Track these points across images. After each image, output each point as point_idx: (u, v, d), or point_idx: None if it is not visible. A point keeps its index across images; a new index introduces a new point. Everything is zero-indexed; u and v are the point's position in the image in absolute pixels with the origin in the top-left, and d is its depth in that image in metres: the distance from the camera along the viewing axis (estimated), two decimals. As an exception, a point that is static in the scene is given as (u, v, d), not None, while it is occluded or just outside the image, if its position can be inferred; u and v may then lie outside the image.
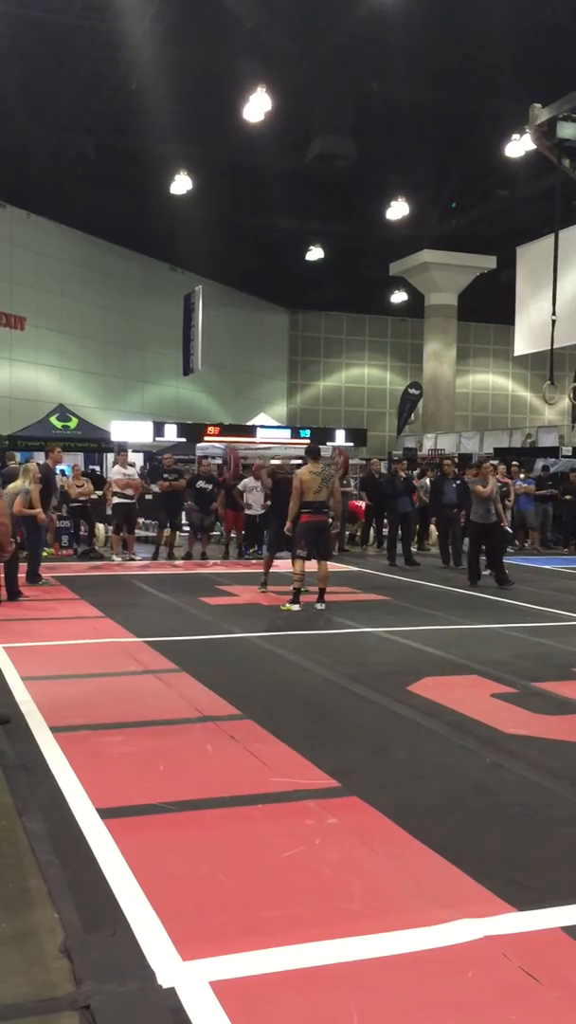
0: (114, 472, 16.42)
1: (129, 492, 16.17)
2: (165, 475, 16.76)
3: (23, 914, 3.32)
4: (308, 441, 21.75)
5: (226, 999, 2.76)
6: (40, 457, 15.77)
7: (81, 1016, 2.70)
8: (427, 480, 18.44)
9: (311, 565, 11.07)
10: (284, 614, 10.56)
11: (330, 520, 11.42)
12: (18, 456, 18.86)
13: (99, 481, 19.06)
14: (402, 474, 16.61)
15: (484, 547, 13.64)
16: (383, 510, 18.29)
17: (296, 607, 10.72)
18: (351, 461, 21.45)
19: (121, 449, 17.53)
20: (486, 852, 3.94)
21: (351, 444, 25.38)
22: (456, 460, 19.60)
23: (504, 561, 13.83)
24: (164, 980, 2.88)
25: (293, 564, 11.12)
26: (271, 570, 12.51)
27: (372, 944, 3.13)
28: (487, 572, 14.58)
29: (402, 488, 16.29)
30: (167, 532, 17.08)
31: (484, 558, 13.81)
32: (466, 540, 14.88)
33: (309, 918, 3.31)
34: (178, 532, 17.28)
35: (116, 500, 16.11)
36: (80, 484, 16.88)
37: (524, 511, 19.51)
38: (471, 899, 3.48)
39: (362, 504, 19.13)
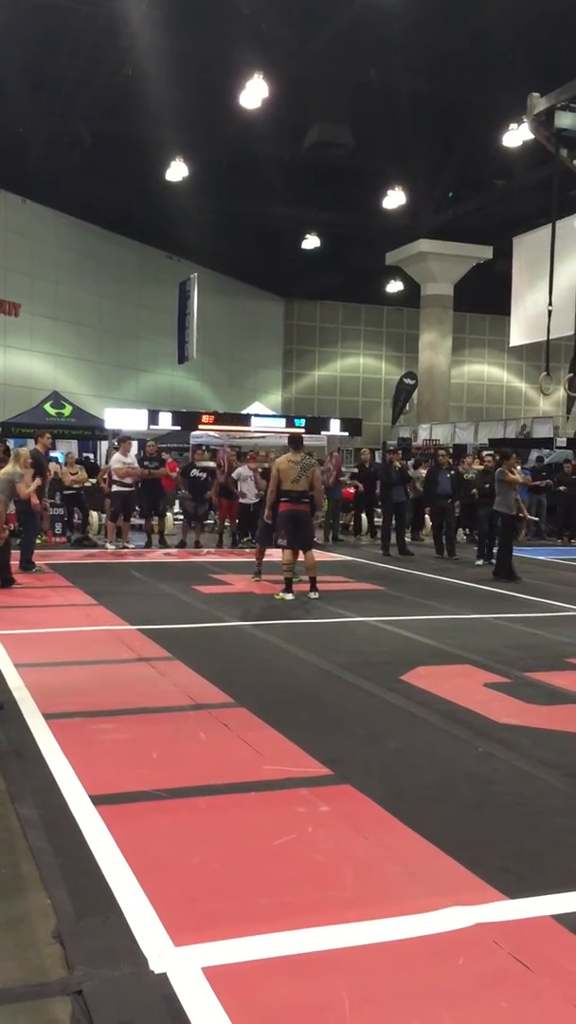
0: (114, 461, 16.37)
1: (128, 481, 16.14)
2: (146, 463, 16.74)
3: (15, 900, 3.33)
4: (303, 430, 21.74)
5: (218, 985, 2.77)
6: (31, 444, 15.75)
7: (73, 1001, 2.70)
8: (422, 470, 18.45)
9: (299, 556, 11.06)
10: (277, 603, 10.57)
11: (311, 509, 11.36)
12: (12, 444, 18.82)
13: (93, 469, 19.04)
14: (397, 464, 16.61)
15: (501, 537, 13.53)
16: (375, 499, 18.31)
17: (289, 596, 10.73)
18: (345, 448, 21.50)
19: (124, 438, 17.49)
20: (478, 840, 3.96)
21: (346, 434, 25.34)
22: (451, 450, 19.60)
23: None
24: (156, 966, 2.88)
25: (282, 553, 11.12)
26: (264, 559, 12.51)
27: (364, 931, 3.14)
28: (479, 562, 14.66)
29: (397, 478, 16.28)
30: (154, 521, 17.09)
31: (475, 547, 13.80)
32: (459, 532, 14.94)
33: (301, 905, 3.32)
34: (169, 520, 17.29)
35: (115, 488, 16.09)
36: (74, 472, 16.86)
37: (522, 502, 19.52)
38: (463, 887, 3.49)
39: (351, 490, 19.10)
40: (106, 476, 16.63)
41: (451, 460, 17.02)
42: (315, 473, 11.18)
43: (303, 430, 19.52)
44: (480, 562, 14.89)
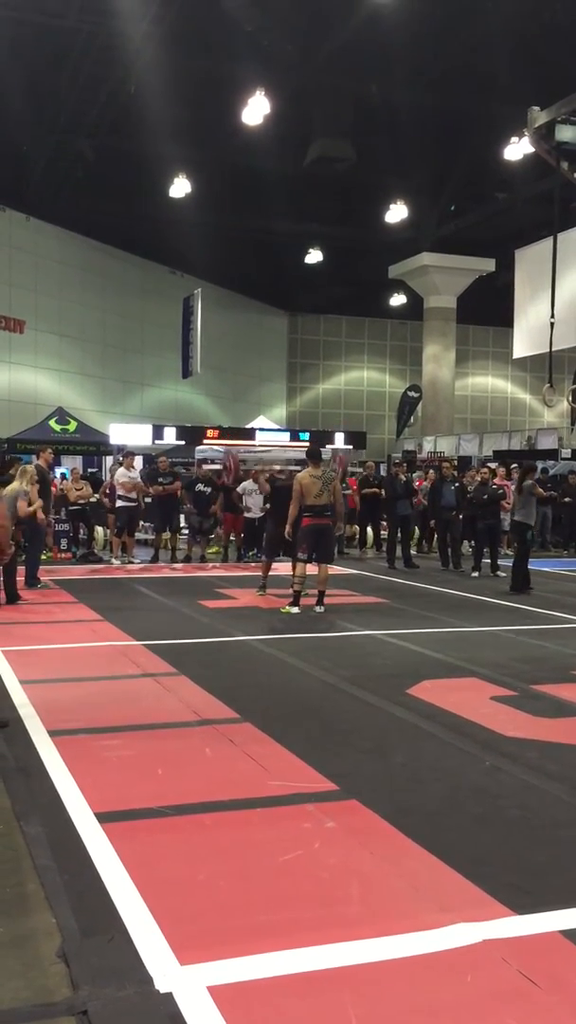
0: (119, 475, 16.37)
1: (134, 495, 16.16)
2: (160, 479, 16.75)
3: (20, 919, 3.31)
4: (307, 444, 21.74)
5: (224, 1004, 2.75)
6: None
7: (79, 1021, 2.69)
8: (424, 482, 18.44)
9: (311, 568, 11.06)
10: (284, 617, 10.56)
11: (333, 523, 11.39)
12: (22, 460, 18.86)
13: (97, 484, 19.06)
14: (402, 477, 16.58)
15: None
16: (380, 512, 18.25)
17: (296, 610, 10.73)
18: (351, 467, 21.45)
19: (128, 453, 17.52)
20: (485, 855, 3.93)
21: (350, 447, 25.35)
22: (455, 463, 19.57)
23: (501, 564, 13.89)
24: (162, 985, 2.87)
25: (294, 567, 11.12)
26: (270, 573, 12.50)
27: (371, 948, 3.12)
28: (475, 574, 14.73)
29: (402, 491, 16.26)
30: (165, 536, 17.09)
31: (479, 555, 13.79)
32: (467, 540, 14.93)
33: (307, 922, 3.30)
34: (177, 535, 17.30)
35: (120, 503, 16.09)
36: (79, 487, 16.88)
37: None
38: (470, 903, 3.47)
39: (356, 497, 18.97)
40: (108, 491, 16.64)
41: (455, 472, 16.99)
42: (336, 487, 11.19)
43: (312, 443, 19.48)
44: (475, 574, 14.99)
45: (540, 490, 13.40)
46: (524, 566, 13.08)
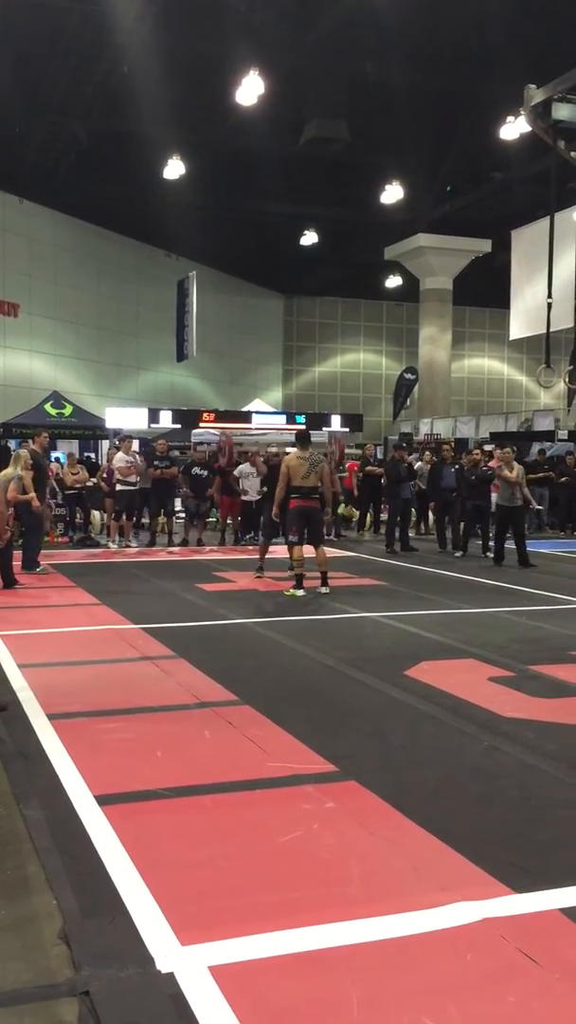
0: (117, 459, 16.32)
1: (132, 479, 16.11)
2: (156, 462, 16.72)
3: (21, 901, 3.32)
4: (304, 427, 21.71)
5: (225, 984, 2.76)
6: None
7: (80, 1002, 2.69)
8: (420, 464, 18.38)
9: (307, 550, 11.08)
10: (284, 599, 10.56)
11: (321, 505, 11.44)
12: (13, 444, 18.82)
13: (93, 468, 19.04)
14: (406, 460, 16.56)
15: (511, 530, 13.99)
16: (380, 495, 18.23)
17: (301, 592, 10.72)
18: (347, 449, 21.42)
19: (125, 437, 17.48)
20: (484, 835, 3.94)
21: (347, 430, 25.35)
22: (453, 445, 19.54)
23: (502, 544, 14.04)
24: (163, 965, 2.87)
25: (290, 551, 11.12)
26: (267, 556, 12.50)
27: (371, 927, 3.13)
28: (458, 554, 14.93)
29: (405, 474, 16.25)
30: (162, 520, 17.07)
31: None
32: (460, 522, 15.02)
33: (307, 902, 3.31)
34: (174, 519, 17.29)
35: (119, 487, 16.06)
36: (75, 472, 16.86)
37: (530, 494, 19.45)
38: (469, 882, 3.48)
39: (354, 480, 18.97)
40: (105, 475, 16.62)
41: (455, 454, 16.96)
42: (324, 469, 11.25)
43: (304, 426, 19.49)
44: (459, 553, 15.31)
45: (506, 472, 13.77)
46: (500, 543, 14.07)
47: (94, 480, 17.23)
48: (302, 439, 11.47)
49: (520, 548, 13.83)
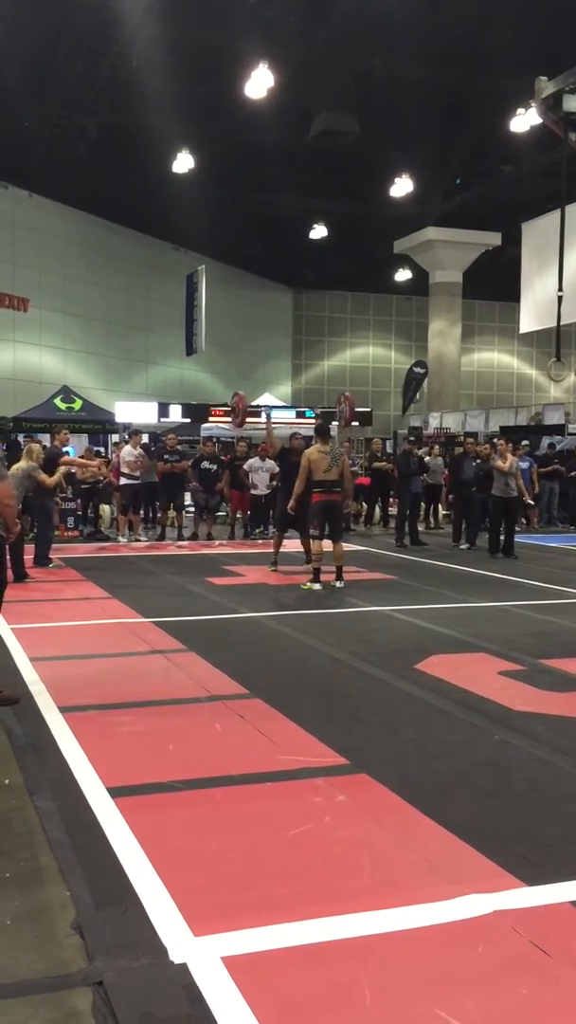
0: (125, 453, 16.30)
1: (138, 473, 16.11)
2: (166, 456, 16.72)
3: (35, 892, 3.35)
4: (313, 420, 21.70)
5: (238, 974, 2.78)
6: (44, 439, 15.78)
7: (94, 992, 2.71)
8: (428, 457, 18.33)
9: (325, 545, 11.08)
10: (295, 593, 10.60)
11: (342, 499, 11.50)
12: (21, 438, 18.87)
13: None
14: (416, 454, 16.54)
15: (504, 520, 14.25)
16: (387, 489, 18.21)
17: (317, 586, 10.79)
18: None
19: (134, 431, 17.49)
20: (495, 828, 3.95)
21: (356, 424, 25.30)
22: (475, 439, 19.48)
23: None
24: (176, 956, 2.89)
25: (311, 544, 11.18)
26: (281, 549, 12.51)
27: (382, 920, 3.14)
28: (464, 546, 15.00)
29: (416, 468, 16.23)
30: (172, 514, 17.09)
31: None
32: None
33: (319, 894, 3.33)
34: (183, 513, 17.30)
35: (124, 481, 16.07)
36: (93, 463, 16.68)
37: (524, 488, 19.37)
38: (480, 874, 3.49)
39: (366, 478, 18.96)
40: (114, 469, 16.61)
41: (478, 448, 16.88)
42: (345, 462, 11.32)
43: (320, 419, 19.46)
44: (465, 546, 15.43)
45: (499, 463, 14.01)
46: (497, 534, 14.29)
47: (105, 474, 17.18)
48: (322, 433, 11.42)
49: (508, 538, 14.15)
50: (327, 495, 10.98)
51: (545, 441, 22.13)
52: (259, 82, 20.96)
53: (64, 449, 17.25)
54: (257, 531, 17.17)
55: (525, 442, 19.42)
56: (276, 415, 23.37)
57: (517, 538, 14.92)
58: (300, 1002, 2.68)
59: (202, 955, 2.89)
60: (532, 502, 16.58)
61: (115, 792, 4.26)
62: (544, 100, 16.22)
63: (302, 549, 12.50)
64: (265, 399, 27.28)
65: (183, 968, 2.83)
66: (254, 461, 16.77)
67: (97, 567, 12.71)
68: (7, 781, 4.43)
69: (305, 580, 11.04)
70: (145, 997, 2.70)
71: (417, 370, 37.23)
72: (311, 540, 11.18)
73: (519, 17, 19.72)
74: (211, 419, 22.54)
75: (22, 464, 11.46)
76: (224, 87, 22.08)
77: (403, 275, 37.61)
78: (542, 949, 2.95)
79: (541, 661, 7.13)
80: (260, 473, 16.58)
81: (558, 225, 17.53)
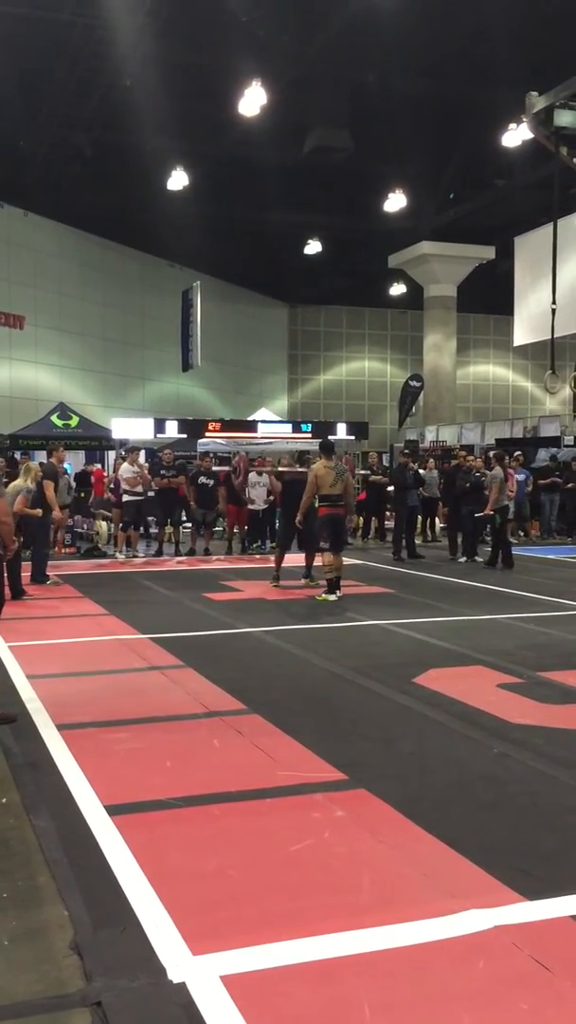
0: (123, 470, 16.27)
1: (139, 489, 16.11)
2: (162, 472, 16.72)
3: (33, 912, 3.32)
4: (309, 435, 21.76)
5: (237, 993, 2.76)
6: (41, 456, 15.77)
7: (93, 1013, 2.70)
8: (424, 471, 18.33)
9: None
10: (297, 607, 10.73)
11: (345, 512, 11.86)
12: (18, 455, 18.86)
13: (85, 479, 19.12)
14: (412, 467, 16.57)
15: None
16: (384, 502, 18.20)
17: (333, 597, 11.02)
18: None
19: (132, 448, 17.49)
20: (494, 842, 3.94)
21: (352, 438, 25.35)
22: (466, 452, 19.50)
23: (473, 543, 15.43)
24: (175, 975, 2.87)
25: (324, 556, 11.37)
26: (282, 565, 12.56)
27: (382, 936, 3.12)
28: (462, 559, 15.54)
29: (412, 481, 16.24)
30: (169, 529, 17.08)
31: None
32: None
33: (318, 911, 3.31)
34: (180, 528, 17.29)
35: (127, 498, 16.05)
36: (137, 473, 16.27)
37: (519, 502, 19.35)
38: (480, 889, 3.48)
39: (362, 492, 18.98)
40: (112, 486, 16.62)
41: (469, 460, 16.89)
42: (348, 478, 11.74)
43: (320, 435, 19.54)
44: (463, 559, 15.49)
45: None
46: (496, 544, 14.63)
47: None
48: (327, 449, 11.77)
49: (505, 550, 14.38)
50: (333, 508, 11.38)
51: (542, 453, 22.15)
52: (252, 99, 21.07)
53: (63, 466, 17.28)
54: (255, 546, 17.16)
55: (518, 452, 19.42)
56: (272, 430, 23.43)
57: (515, 550, 14.97)
58: (299, 1020, 2.67)
59: (201, 974, 2.87)
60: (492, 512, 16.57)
61: (113, 810, 4.24)
62: (535, 115, 16.32)
63: (304, 563, 12.71)
64: (261, 414, 27.35)
65: (182, 987, 2.81)
66: (251, 476, 16.78)
67: (94, 583, 12.70)
68: (4, 800, 4.41)
69: (319, 592, 11.31)
70: (144, 1017, 2.68)
71: (413, 384, 37.31)
72: (324, 553, 11.42)
73: (511, 32, 19.85)
74: (207, 434, 22.55)
75: (19, 482, 11.46)
76: (218, 104, 22.19)
77: (398, 289, 37.73)
78: (543, 964, 2.94)
79: (539, 673, 7.12)
80: (257, 488, 16.59)
81: (551, 238, 17.59)
